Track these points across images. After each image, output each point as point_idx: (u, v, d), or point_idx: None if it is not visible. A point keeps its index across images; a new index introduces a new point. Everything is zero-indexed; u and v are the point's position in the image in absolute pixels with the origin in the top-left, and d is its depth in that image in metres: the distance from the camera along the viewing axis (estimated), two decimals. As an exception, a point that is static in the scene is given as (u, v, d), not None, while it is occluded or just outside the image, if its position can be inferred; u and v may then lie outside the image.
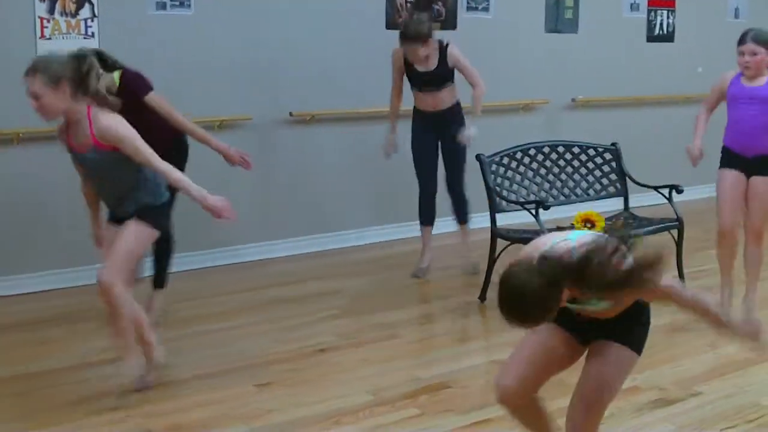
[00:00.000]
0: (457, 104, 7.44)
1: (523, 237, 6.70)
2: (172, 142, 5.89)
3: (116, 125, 4.74)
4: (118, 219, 5.08)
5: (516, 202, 6.83)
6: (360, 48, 8.27)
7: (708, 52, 10.70)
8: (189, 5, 7.40)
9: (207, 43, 7.48)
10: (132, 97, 5.49)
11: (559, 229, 6.78)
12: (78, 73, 4.74)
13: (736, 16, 11.14)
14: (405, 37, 7.11)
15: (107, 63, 5.30)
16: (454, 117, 7.37)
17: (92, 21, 7.01)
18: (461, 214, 7.59)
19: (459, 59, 7.26)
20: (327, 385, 5.33)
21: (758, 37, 6.00)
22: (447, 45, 7.25)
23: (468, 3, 8.90)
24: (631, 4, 10.21)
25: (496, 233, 6.85)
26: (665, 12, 10.49)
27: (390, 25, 8.40)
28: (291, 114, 7.97)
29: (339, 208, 8.39)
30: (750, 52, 6.00)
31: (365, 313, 6.60)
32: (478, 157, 6.92)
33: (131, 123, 4.83)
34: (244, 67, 7.70)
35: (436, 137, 7.43)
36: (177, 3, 7.36)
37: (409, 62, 7.27)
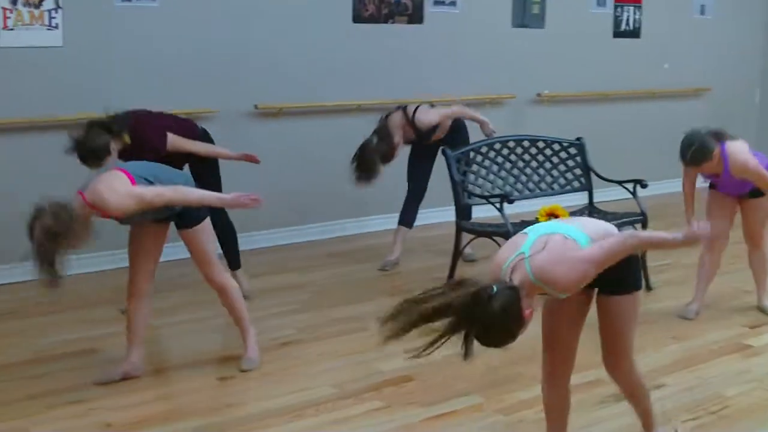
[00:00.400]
0: (455, 126, 7.54)
1: (488, 231, 6.72)
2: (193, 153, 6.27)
3: (112, 205, 4.74)
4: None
5: (481, 196, 6.83)
6: (327, 41, 8.25)
7: (674, 48, 10.76)
8: (154, -2, 7.36)
9: (173, 35, 7.44)
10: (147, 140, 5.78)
11: (524, 223, 6.83)
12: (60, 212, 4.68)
13: (702, 12, 11.18)
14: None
15: (112, 129, 5.66)
16: (443, 139, 7.46)
17: (56, 12, 6.95)
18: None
19: (429, 121, 7.35)
20: (290, 378, 5.31)
21: (692, 160, 5.99)
22: (414, 115, 7.32)
23: (435, -3, 8.90)
24: (598, 0, 10.22)
25: (461, 227, 6.85)
26: (632, 8, 10.51)
27: (357, 18, 8.38)
28: (256, 107, 7.94)
29: (305, 201, 8.37)
30: (699, 172, 6.13)
31: (330, 307, 6.59)
32: (444, 151, 6.92)
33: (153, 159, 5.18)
34: (210, 60, 7.66)
35: (431, 153, 7.53)
36: (139, -6, 7.32)
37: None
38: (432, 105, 7.44)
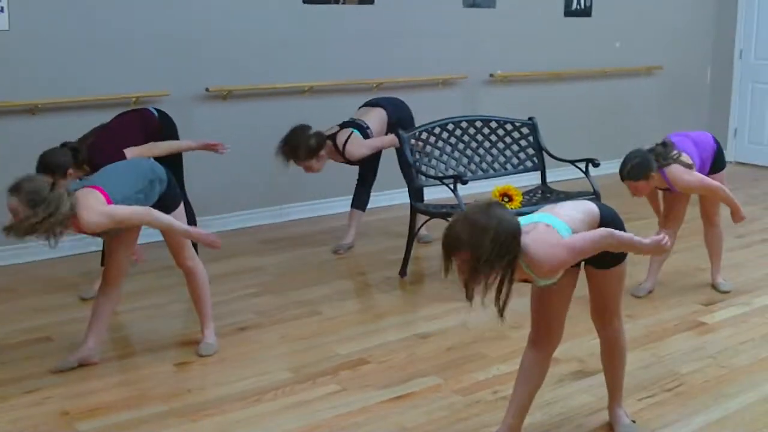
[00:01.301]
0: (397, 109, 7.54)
1: (441, 212, 6.73)
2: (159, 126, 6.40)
3: (92, 223, 4.73)
4: None
5: (435, 177, 6.82)
6: (278, 22, 8.20)
7: (625, 27, 10.81)
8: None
9: (123, 18, 7.37)
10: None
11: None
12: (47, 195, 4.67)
13: (652, -9, 11.24)
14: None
15: (78, 157, 5.79)
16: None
17: (3, -5, 6.87)
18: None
19: (360, 154, 7.32)
20: (247, 363, 5.29)
21: (629, 175, 5.98)
22: (341, 146, 7.30)
23: (386, -22, 8.86)
24: (549, -20, 10.24)
25: (415, 208, 6.85)
26: (582, -13, 10.54)
27: (307, -1, 8.36)
28: (207, 90, 7.89)
29: (258, 185, 8.33)
30: (633, 189, 6.06)
31: (285, 290, 6.57)
32: (396, 132, 6.91)
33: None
34: (161, 42, 7.60)
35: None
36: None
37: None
38: (365, 129, 7.37)
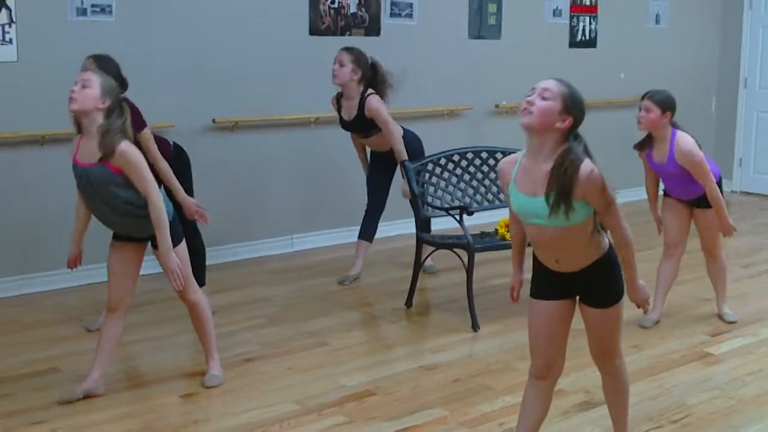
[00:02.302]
0: (408, 139, 7.44)
1: (447, 242, 6.74)
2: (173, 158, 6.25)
3: (131, 151, 4.86)
4: (123, 236, 5.17)
5: (441, 208, 6.84)
6: (284, 53, 8.24)
7: (630, 57, 10.85)
8: (110, 12, 7.31)
9: (128, 50, 7.37)
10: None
11: (484, 234, 6.86)
12: (117, 98, 4.98)
13: (657, 22, 11.28)
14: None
15: (123, 84, 5.82)
16: (389, 155, 7.40)
17: (10, 27, 6.90)
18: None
19: (378, 113, 7.23)
20: (253, 394, 5.29)
21: (653, 97, 6.17)
22: (368, 96, 7.24)
23: (391, 9, 8.90)
24: (554, 10, 10.29)
25: (421, 239, 6.86)
26: (587, 18, 10.59)
27: (313, 30, 8.39)
28: (214, 121, 7.92)
29: (265, 215, 8.35)
30: (645, 108, 6.16)
31: (292, 321, 6.57)
32: (403, 163, 6.93)
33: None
34: (167, 74, 7.63)
35: (391, 167, 7.49)
36: (98, 9, 7.27)
37: (339, 107, 7.40)
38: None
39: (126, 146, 4.85)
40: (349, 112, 7.31)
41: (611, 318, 4.11)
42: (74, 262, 5.36)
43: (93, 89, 4.86)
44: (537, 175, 3.84)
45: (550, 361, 4.18)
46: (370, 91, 7.23)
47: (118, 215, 5.01)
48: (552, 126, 3.84)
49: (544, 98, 3.84)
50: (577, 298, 4.11)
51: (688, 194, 6.32)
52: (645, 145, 6.34)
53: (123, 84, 5.91)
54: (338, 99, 7.39)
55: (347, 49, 7.30)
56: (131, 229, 5.08)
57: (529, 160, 3.92)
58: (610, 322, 4.12)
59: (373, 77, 7.25)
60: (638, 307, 4.19)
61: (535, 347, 4.20)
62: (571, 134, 3.86)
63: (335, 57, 7.23)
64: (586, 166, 3.78)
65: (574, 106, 3.86)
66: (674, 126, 6.21)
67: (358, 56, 7.22)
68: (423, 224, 7.08)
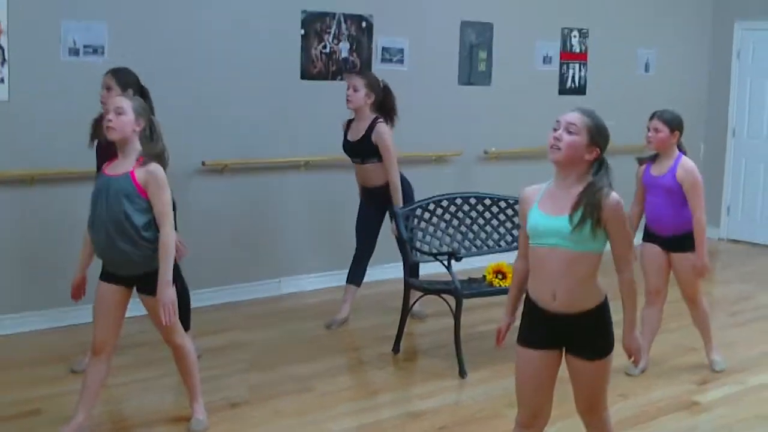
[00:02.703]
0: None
1: (436, 288, 6.74)
2: None
3: (161, 172, 5.03)
4: (111, 277, 5.13)
5: (429, 254, 6.85)
6: (275, 97, 8.26)
7: (619, 104, 10.86)
8: (102, 53, 7.33)
9: (119, 91, 7.42)
10: None
11: (471, 280, 6.86)
12: (149, 116, 5.19)
13: (646, 69, 11.36)
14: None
15: (144, 94, 6.07)
16: (388, 199, 7.31)
17: (2, 66, 6.91)
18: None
19: (383, 138, 7.24)
20: (239, 439, 5.27)
21: (663, 116, 6.35)
22: (378, 122, 7.27)
23: (382, 54, 8.95)
24: (544, 57, 10.34)
25: (409, 284, 6.85)
26: (577, 65, 10.65)
27: (305, 74, 8.42)
28: (203, 163, 7.92)
29: (253, 257, 8.34)
30: (653, 129, 6.31)
31: (278, 366, 6.54)
32: (392, 208, 6.94)
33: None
34: (158, 116, 7.58)
35: (381, 210, 7.46)
36: (90, 50, 7.29)
37: (347, 130, 7.39)
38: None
39: (158, 168, 5.01)
40: (356, 133, 7.34)
41: (602, 370, 4.11)
42: (78, 290, 5.31)
43: (127, 115, 4.99)
44: (564, 199, 3.95)
45: (537, 410, 4.18)
46: (380, 117, 7.28)
47: (119, 239, 4.96)
48: (580, 158, 3.95)
49: (570, 132, 3.94)
50: (564, 351, 4.11)
51: (671, 224, 6.33)
52: (646, 161, 6.44)
53: (144, 94, 6.07)
54: (349, 123, 7.41)
55: (360, 74, 7.40)
56: (125, 259, 5.01)
57: (556, 187, 4.03)
58: (601, 374, 4.12)
59: (384, 101, 7.32)
60: (630, 356, 4.21)
61: (521, 395, 4.19)
62: (597, 161, 3.97)
63: (348, 82, 7.29)
64: (615, 195, 3.93)
65: (599, 137, 3.98)
66: (681, 150, 6.36)
67: (371, 80, 7.31)
68: (411, 269, 7.07)
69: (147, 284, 5.05)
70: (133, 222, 4.93)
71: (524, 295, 4.20)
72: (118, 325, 5.23)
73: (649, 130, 6.35)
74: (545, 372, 4.11)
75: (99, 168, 5.53)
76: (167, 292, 4.97)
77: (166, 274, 4.96)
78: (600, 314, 4.04)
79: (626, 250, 4.03)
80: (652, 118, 6.37)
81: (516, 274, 4.32)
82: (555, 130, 3.99)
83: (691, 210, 6.24)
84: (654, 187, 6.36)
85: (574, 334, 4.04)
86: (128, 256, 5.01)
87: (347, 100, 7.25)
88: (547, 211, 3.97)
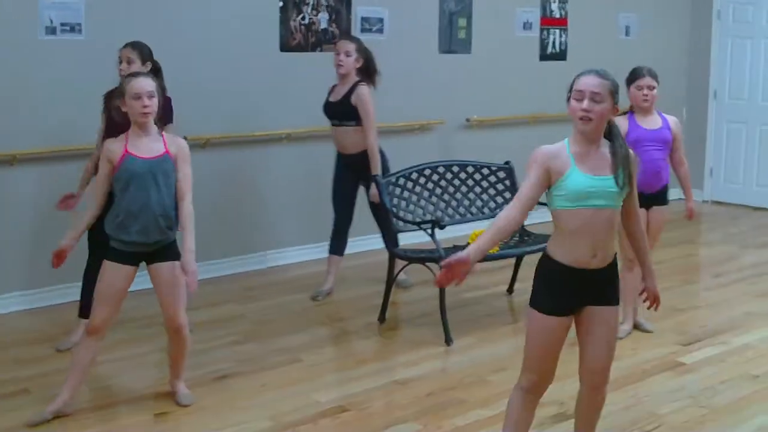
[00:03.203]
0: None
1: (420, 257, 6.74)
2: None
3: (187, 146, 5.24)
4: (122, 255, 5.11)
5: (412, 222, 6.85)
6: (254, 70, 8.24)
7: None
8: (80, 30, 7.29)
9: (99, 68, 7.35)
10: None
11: (456, 247, 6.86)
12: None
13: (627, 34, 11.35)
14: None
15: (157, 69, 6.18)
16: (366, 167, 7.27)
17: (-21, 48, 6.88)
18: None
19: (363, 101, 7.22)
20: (227, 412, 5.28)
21: (653, 72, 6.35)
22: (359, 84, 7.26)
23: (362, 24, 8.92)
24: (524, 24, 10.33)
25: (393, 253, 6.86)
26: (557, 31, 10.64)
27: (284, 47, 8.39)
28: (185, 138, 7.85)
29: (237, 232, 8.33)
30: (648, 87, 6.30)
31: (265, 338, 6.55)
32: (374, 178, 6.93)
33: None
34: (137, 93, 7.60)
35: (355, 178, 7.45)
36: (67, 28, 7.25)
37: (330, 93, 7.39)
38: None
39: (184, 141, 5.25)
40: (337, 95, 7.34)
41: (615, 319, 4.23)
42: (60, 258, 5.19)
43: (157, 97, 5.05)
44: (599, 159, 4.01)
45: (545, 375, 4.21)
46: (362, 80, 7.29)
47: (164, 222, 5.09)
48: (606, 121, 4.05)
49: (596, 101, 3.99)
50: (582, 310, 4.13)
51: (664, 178, 6.40)
52: (626, 114, 6.41)
53: (158, 68, 6.21)
54: (333, 87, 7.41)
55: (351, 38, 7.47)
56: (160, 239, 5.12)
57: (583, 146, 4.04)
58: (615, 323, 4.23)
59: (368, 64, 7.33)
60: (653, 302, 4.34)
61: (532, 361, 4.19)
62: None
63: (340, 48, 7.28)
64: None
65: (618, 95, 4.09)
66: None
67: (361, 44, 7.36)
68: (392, 239, 7.06)
69: (160, 255, 5.12)
70: (174, 201, 5.08)
71: (541, 260, 4.16)
72: (119, 308, 5.25)
73: (640, 88, 6.31)
74: (562, 338, 4.13)
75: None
76: (194, 260, 5.01)
77: (192, 243, 5.03)
78: (615, 262, 4.14)
79: (638, 204, 4.18)
80: (640, 76, 6.33)
81: (507, 221, 4.04)
82: (577, 100, 4.04)
83: (680, 160, 6.45)
84: (650, 141, 6.32)
85: (601, 287, 4.08)
86: (166, 236, 5.12)
87: (339, 65, 7.23)
88: (590, 171, 3.97)
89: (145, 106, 4.96)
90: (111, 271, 5.10)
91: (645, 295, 4.34)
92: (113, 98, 5.29)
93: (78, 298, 6.32)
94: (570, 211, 3.99)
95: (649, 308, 4.39)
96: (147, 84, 5.01)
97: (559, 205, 4.01)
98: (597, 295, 4.09)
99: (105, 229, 5.11)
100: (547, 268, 4.11)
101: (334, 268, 7.62)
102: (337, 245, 7.61)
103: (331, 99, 7.36)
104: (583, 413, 4.39)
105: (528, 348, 4.19)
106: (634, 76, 6.38)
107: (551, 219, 4.10)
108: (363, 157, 7.25)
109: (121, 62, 6.15)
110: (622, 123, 6.25)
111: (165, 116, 5.56)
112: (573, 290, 4.06)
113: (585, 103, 3.98)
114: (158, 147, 5.06)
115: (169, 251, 5.16)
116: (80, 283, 6.27)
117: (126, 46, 6.20)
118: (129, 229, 5.03)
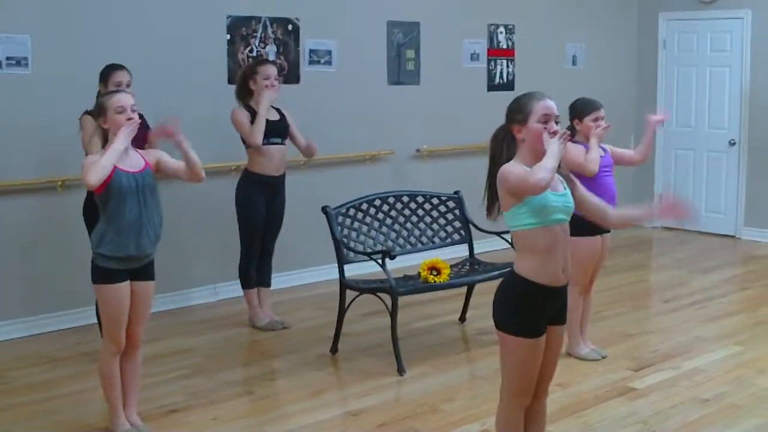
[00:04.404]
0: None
1: (371, 287, 6.74)
2: None
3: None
4: (124, 274, 5.18)
5: (363, 253, 6.85)
6: (202, 103, 8.20)
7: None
8: (26, 65, 7.25)
9: (46, 103, 7.34)
10: None
11: (407, 277, 6.86)
12: None
13: (574, 63, 11.45)
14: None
15: None
16: (283, 181, 7.49)
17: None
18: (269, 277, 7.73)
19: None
20: (179, 447, 5.25)
21: (599, 103, 6.56)
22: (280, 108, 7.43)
23: (310, 57, 8.94)
24: (471, 55, 10.39)
25: (345, 284, 6.85)
26: (505, 61, 10.72)
27: (232, 79, 8.38)
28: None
29: (188, 265, 8.28)
30: (603, 118, 6.47)
31: (217, 371, 6.51)
32: (324, 209, 6.92)
33: None
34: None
35: (267, 201, 7.47)
36: (13, 62, 7.21)
37: (257, 110, 7.29)
38: None
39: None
40: (271, 115, 7.37)
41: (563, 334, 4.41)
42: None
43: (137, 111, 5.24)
44: None
45: (531, 393, 4.30)
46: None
47: (159, 230, 5.27)
48: None
49: (556, 122, 4.24)
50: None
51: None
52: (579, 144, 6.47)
53: None
54: (252, 113, 7.35)
55: (273, 62, 7.61)
56: (153, 243, 5.25)
57: (534, 164, 4.10)
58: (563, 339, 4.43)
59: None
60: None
61: (527, 383, 4.24)
62: None
63: (269, 72, 7.32)
64: None
65: None
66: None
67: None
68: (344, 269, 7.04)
69: (145, 272, 5.24)
70: (161, 213, 5.28)
71: (513, 284, 4.21)
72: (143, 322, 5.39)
73: (599, 119, 6.45)
74: (541, 357, 4.23)
75: None
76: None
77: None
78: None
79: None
80: (596, 109, 6.49)
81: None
82: (543, 122, 4.22)
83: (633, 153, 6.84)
84: (604, 167, 6.41)
85: (562, 306, 4.24)
86: (154, 248, 5.28)
87: (273, 86, 7.28)
88: (552, 189, 4.10)
89: (130, 119, 5.07)
90: (115, 294, 5.14)
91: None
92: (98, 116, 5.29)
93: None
94: (539, 230, 4.09)
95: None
96: (129, 98, 5.20)
97: (527, 223, 4.10)
98: (557, 315, 4.22)
99: (98, 251, 5.13)
100: (522, 290, 4.15)
101: (268, 298, 7.69)
102: (267, 275, 7.69)
103: (271, 118, 7.35)
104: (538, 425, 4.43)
105: (517, 375, 4.22)
106: (590, 108, 6.50)
107: (513, 242, 4.27)
108: (283, 176, 7.43)
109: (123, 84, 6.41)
110: (578, 151, 6.31)
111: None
112: (546, 310, 4.17)
113: (553, 125, 4.19)
114: (138, 161, 5.18)
115: (151, 270, 5.30)
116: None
117: (121, 68, 6.50)
118: (126, 244, 5.10)
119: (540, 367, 4.22)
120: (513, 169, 4.09)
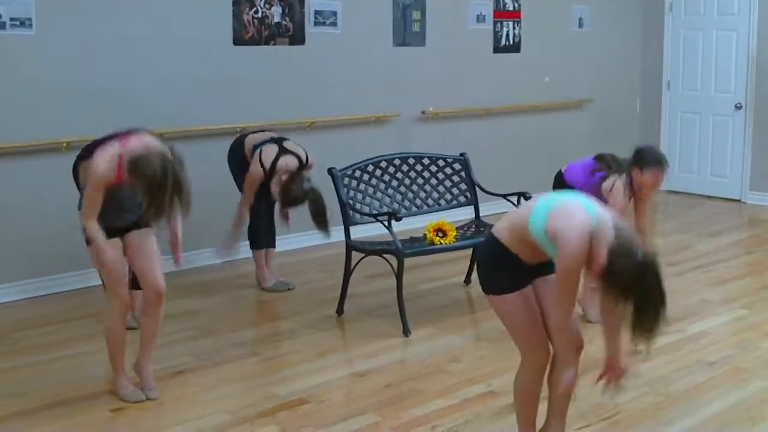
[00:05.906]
0: None
1: (377, 249, 6.74)
2: None
3: None
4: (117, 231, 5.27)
5: (369, 215, 6.84)
6: (208, 64, 8.18)
7: (554, 61, 10.94)
8: (30, 25, 7.21)
9: (50, 64, 7.31)
10: None
11: (413, 239, 6.86)
12: None
13: (580, 25, 11.39)
14: None
15: None
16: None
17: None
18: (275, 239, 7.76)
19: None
20: (184, 406, 5.25)
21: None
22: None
23: (315, 18, 8.89)
24: (477, 16, 10.33)
25: (351, 246, 6.84)
26: (511, 23, 10.66)
27: (237, 40, 8.35)
28: (139, 133, 7.83)
29: (191, 226, 8.24)
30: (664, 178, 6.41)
31: (222, 333, 6.52)
32: (330, 171, 6.90)
33: None
34: (91, 87, 7.54)
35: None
36: (17, 23, 7.17)
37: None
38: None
39: None
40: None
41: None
42: None
43: None
44: None
45: (547, 347, 4.31)
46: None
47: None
48: None
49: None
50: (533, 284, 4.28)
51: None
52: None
53: None
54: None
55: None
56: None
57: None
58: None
59: None
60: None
61: (533, 338, 4.28)
62: None
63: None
64: None
65: None
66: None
67: None
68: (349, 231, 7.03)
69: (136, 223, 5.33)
70: None
71: (495, 248, 4.24)
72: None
73: (657, 178, 6.30)
74: (535, 305, 4.25)
75: None
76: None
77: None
78: None
79: None
80: (660, 168, 6.26)
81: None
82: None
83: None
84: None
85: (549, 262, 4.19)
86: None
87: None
88: None
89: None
90: (111, 247, 5.17)
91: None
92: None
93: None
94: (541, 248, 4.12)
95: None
96: None
97: (544, 243, 4.07)
98: (544, 269, 4.25)
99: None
100: (503, 254, 4.20)
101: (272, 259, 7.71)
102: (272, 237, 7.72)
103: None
104: (555, 389, 4.43)
105: (516, 332, 4.29)
106: (655, 164, 6.26)
107: (513, 224, 4.24)
108: None
109: None
110: (620, 199, 6.24)
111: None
112: (527, 266, 4.20)
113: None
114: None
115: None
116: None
117: None
118: (123, 215, 5.25)
119: (542, 317, 4.26)
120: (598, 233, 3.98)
